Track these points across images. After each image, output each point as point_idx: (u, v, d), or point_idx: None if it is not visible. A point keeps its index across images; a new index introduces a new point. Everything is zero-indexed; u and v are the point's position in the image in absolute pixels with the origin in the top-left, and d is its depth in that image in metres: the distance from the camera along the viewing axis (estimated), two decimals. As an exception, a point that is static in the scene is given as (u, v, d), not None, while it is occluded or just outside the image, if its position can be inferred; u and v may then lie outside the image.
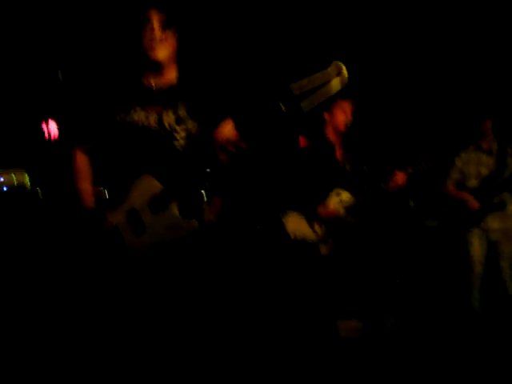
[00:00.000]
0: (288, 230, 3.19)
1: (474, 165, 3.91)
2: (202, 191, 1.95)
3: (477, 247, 3.83)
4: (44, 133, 4.06)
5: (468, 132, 4.03)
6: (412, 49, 4.85)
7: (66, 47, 4.49)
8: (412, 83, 5.13)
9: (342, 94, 3.39)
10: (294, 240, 3.17)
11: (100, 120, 2.08)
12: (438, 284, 4.35)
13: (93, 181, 2.17)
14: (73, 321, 3.37)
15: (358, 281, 3.34)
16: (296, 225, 3.23)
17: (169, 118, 2.01)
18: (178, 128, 2.01)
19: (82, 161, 2.16)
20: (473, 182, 3.87)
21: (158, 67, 2.04)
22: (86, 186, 2.14)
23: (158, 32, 1.96)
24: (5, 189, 5.00)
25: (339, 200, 3.26)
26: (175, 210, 1.93)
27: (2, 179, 5.03)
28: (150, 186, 1.97)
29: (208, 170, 1.89)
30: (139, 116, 2.01)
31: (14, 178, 4.93)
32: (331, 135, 3.40)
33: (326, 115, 3.43)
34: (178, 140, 2.02)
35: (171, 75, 2.08)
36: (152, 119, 2.00)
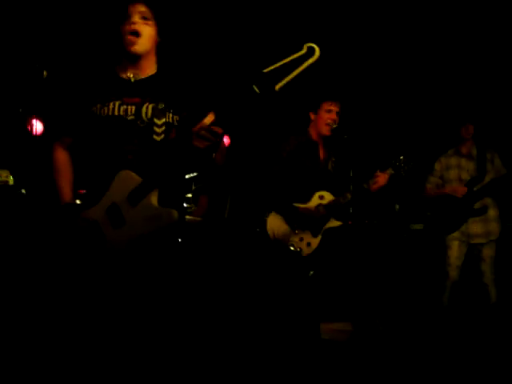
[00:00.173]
0: (267, 229, 3.18)
1: (454, 169, 3.95)
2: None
3: (455, 251, 3.85)
4: (28, 130, 4.01)
5: (447, 136, 4.07)
6: (394, 53, 4.88)
7: (44, 40, 4.45)
8: (395, 87, 5.18)
9: (328, 96, 3.41)
10: (273, 239, 3.16)
11: (78, 113, 2.07)
12: (415, 284, 4.40)
13: (73, 177, 2.16)
14: (56, 318, 3.32)
15: (341, 282, 3.34)
16: (276, 224, 3.22)
17: (147, 110, 2.00)
18: (156, 120, 2.00)
19: (61, 157, 2.15)
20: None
21: (136, 59, 2.03)
22: (65, 182, 2.13)
23: (137, 25, 1.96)
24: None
25: (321, 201, 3.26)
26: (154, 201, 1.91)
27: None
28: (129, 180, 1.95)
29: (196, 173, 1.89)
30: (117, 108, 1.99)
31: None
32: (315, 135, 3.40)
33: (311, 115, 3.43)
34: (156, 132, 2.01)
35: (150, 68, 2.08)
36: (130, 111, 1.99)
